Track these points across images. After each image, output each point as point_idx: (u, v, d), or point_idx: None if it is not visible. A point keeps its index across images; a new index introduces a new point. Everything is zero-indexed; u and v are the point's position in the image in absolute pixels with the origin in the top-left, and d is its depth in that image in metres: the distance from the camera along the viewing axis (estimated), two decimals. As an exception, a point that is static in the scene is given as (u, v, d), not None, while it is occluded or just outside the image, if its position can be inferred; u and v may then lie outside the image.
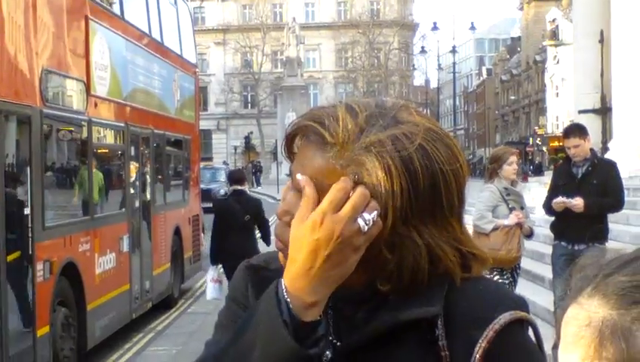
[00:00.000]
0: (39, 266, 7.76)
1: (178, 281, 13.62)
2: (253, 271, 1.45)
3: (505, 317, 1.27)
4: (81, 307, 8.96)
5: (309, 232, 1.23)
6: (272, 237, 11.25)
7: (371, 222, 1.24)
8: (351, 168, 1.26)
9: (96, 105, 9.76)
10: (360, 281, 1.30)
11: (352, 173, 1.26)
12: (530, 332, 1.32)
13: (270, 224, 10.82)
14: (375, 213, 1.25)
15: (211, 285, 10.75)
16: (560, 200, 7.79)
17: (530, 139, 75.41)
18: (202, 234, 15.75)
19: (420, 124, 1.31)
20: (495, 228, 7.49)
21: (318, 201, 1.25)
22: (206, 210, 14.92)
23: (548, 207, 8.08)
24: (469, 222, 5.12)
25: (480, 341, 1.26)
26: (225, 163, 59.90)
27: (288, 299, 1.23)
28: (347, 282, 1.27)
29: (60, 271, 8.31)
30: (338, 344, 1.33)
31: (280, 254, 1.36)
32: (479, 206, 7.64)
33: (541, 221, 10.97)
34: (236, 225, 10.12)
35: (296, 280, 1.24)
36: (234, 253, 9.35)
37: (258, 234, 10.84)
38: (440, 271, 1.31)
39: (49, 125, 8.52)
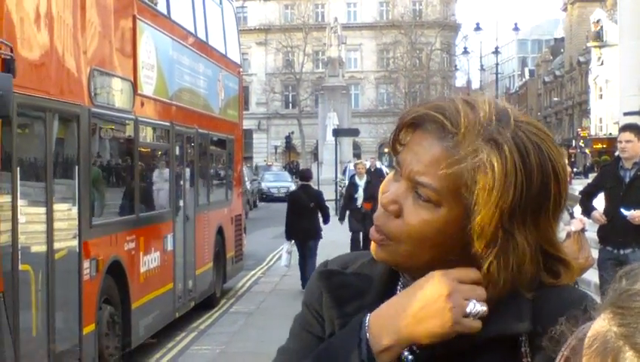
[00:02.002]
0: (86, 264, 7.82)
1: (220, 281, 13.67)
2: (327, 276, 1.43)
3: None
4: (126, 305, 9.02)
5: (430, 286, 1.26)
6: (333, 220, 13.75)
7: (477, 312, 1.26)
8: (469, 159, 1.25)
9: (142, 104, 9.81)
10: None
11: (469, 164, 1.25)
12: None
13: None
14: (485, 308, 1.26)
15: (285, 255, 14.43)
16: (598, 217, 7.70)
17: (574, 141, 74.67)
18: (244, 235, 15.79)
19: (531, 122, 1.31)
20: (567, 236, 7.31)
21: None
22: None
23: (585, 206, 7.97)
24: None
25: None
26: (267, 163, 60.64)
27: (369, 339, 1.25)
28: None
29: (106, 269, 8.37)
30: (418, 351, 1.31)
31: (374, 246, 1.34)
32: None
33: (587, 225, 10.82)
34: (304, 211, 13.68)
35: (384, 320, 1.26)
36: (302, 231, 13.62)
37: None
38: (531, 275, 1.29)
39: (96, 124, 8.58)
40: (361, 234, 15.85)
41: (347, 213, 16.42)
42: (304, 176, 14.90)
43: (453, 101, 1.29)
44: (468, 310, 1.24)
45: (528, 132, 1.27)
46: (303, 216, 13.64)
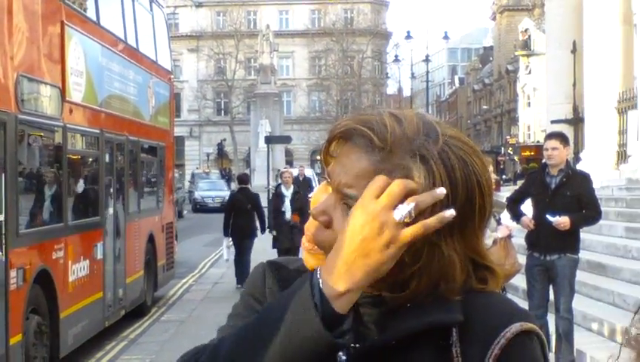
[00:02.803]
0: (12, 273, 7.68)
1: (151, 289, 13.55)
2: (277, 268, 1.47)
3: (516, 327, 1.31)
4: (54, 315, 8.88)
5: (351, 219, 1.24)
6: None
7: (407, 214, 1.23)
8: (397, 173, 1.27)
9: (71, 111, 9.69)
10: (377, 285, 1.31)
11: (397, 178, 1.26)
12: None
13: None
14: (412, 205, 1.23)
15: (226, 250, 15.93)
16: (527, 222, 7.87)
17: (502, 148, 75.83)
18: (176, 242, 15.69)
19: (457, 136, 1.34)
20: (494, 243, 7.38)
21: None
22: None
23: (514, 212, 8.13)
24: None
25: (492, 347, 1.30)
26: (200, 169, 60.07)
27: (322, 286, 1.23)
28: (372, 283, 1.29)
29: (34, 278, 8.23)
30: (355, 346, 1.33)
31: (305, 255, 1.38)
32: None
33: (515, 231, 11.03)
34: (241, 211, 15.11)
35: (333, 266, 1.24)
36: (239, 229, 15.15)
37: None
38: (459, 282, 1.32)
39: (24, 131, 8.44)
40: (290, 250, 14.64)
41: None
42: (242, 179, 16.51)
43: (380, 115, 1.32)
44: (398, 218, 1.22)
45: (454, 146, 1.31)
46: (240, 216, 15.09)
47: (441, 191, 1.25)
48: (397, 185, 1.23)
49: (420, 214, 1.24)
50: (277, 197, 15.20)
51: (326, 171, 1.37)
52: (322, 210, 1.34)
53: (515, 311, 1.35)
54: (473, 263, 1.36)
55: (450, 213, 1.24)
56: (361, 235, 1.22)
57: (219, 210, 34.68)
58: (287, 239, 14.59)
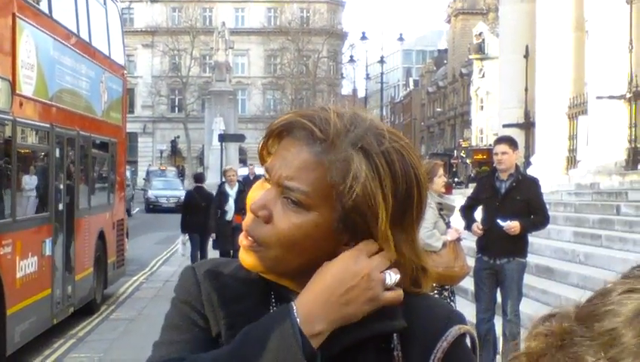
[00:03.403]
0: (-42, 269, 7.56)
1: (101, 287, 13.41)
2: (213, 275, 1.41)
3: (455, 330, 1.35)
4: (1, 311, 8.74)
5: (340, 264, 1.29)
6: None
7: (394, 281, 1.30)
8: (338, 164, 1.28)
9: (21, 104, 9.55)
10: None
11: (340, 169, 1.28)
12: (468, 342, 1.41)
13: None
14: (398, 275, 1.31)
15: (181, 246, 15.96)
16: (476, 229, 7.95)
17: (455, 151, 76.44)
18: (126, 239, 15.56)
19: (394, 132, 1.36)
20: (443, 245, 7.39)
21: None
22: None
23: (468, 219, 8.20)
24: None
25: (435, 351, 1.34)
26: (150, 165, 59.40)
27: (301, 326, 1.26)
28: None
29: (-20, 274, 8.11)
30: None
31: (242, 252, 1.35)
32: (426, 223, 7.50)
33: (465, 234, 11.12)
34: (197, 209, 14.93)
35: (311, 307, 1.27)
36: (195, 226, 15.03)
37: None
38: (403, 283, 1.34)
39: (-28, 124, 8.31)
40: (231, 252, 14.39)
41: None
42: (198, 178, 16.73)
43: (323, 110, 1.32)
44: (387, 282, 1.29)
45: (392, 141, 1.32)
46: (196, 214, 15.04)
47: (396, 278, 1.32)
48: (391, 255, 1.30)
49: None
50: (220, 196, 14.75)
51: (264, 167, 1.36)
52: (262, 204, 1.32)
53: (451, 313, 1.40)
54: (414, 264, 1.37)
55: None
56: (349, 284, 1.27)
57: (173, 210, 34.07)
58: (229, 241, 14.28)
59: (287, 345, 1.23)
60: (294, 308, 1.26)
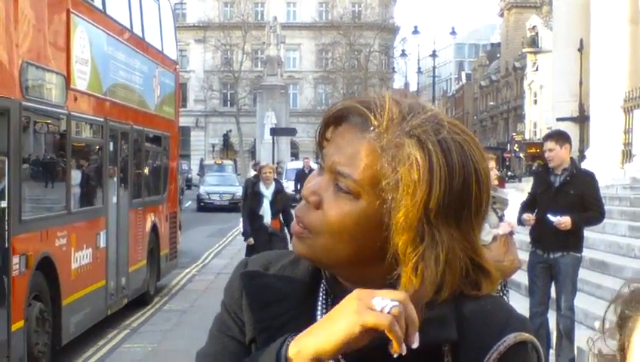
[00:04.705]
0: (15, 260, 7.70)
1: (154, 278, 13.56)
2: (249, 278, 1.39)
3: (509, 339, 1.26)
4: (57, 302, 8.89)
5: (340, 304, 1.20)
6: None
7: (386, 305, 1.17)
8: (390, 151, 1.25)
9: (75, 99, 9.69)
10: (375, 282, 1.26)
11: (391, 156, 1.24)
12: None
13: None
14: (396, 303, 1.17)
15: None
16: (527, 218, 7.85)
17: (509, 145, 75.74)
18: (179, 232, 15.70)
19: (456, 123, 1.31)
20: (494, 239, 7.29)
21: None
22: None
23: (524, 212, 8.11)
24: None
25: (486, 359, 1.25)
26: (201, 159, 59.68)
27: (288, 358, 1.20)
28: (363, 280, 1.27)
29: (36, 265, 8.25)
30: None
31: (294, 240, 1.33)
32: None
33: (519, 228, 11.02)
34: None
35: (303, 339, 1.21)
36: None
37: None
38: (452, 284, 1.27)
39: (28, 118, 8.45)
40: None
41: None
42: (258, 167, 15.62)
43: (380, 97, 1.30)
44: (377, 306, 1.16)
45: (452, 132, 1.27)
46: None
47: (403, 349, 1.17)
48: (399, 294, 1.19)
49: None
50: (254, 197, 12.12)
51: (320, 154, 1.34)
52: (313, 190, 1.30)
53: (509, 319, 1.30)
54: (470, 261, 1.29)
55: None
56: (336, 317, 1.19)
57: (227, 209, 32.90)
58: (265, 249, 13.33)
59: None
60: (285, 348, 1.21)
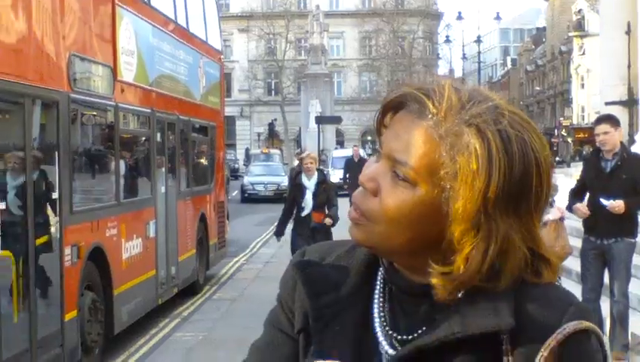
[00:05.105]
0: (67, 250, 7.79)
1: (203, 268, 13.65)
2: (303, 267, 1.38)
3: (569, 327, 1.24)
4: (108, 292, 8.99)
5: None
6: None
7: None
8: (449, 139, 1.23)
9: (122, 90, 9.76)
10: (423, 270, 1.27)
11: (449, 145, 1.23)
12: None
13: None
14: None
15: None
16: (580, 208, 7.72)
17: (556, 130, 74.97)
18: (227, 221, 15.77)
19: (516, 112, 1.29)
20: (544, 224, 7.21)
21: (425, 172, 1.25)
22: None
23: (573, 199, 8.00)
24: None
25: (542, 350, 1.22)
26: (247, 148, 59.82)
27: None
28: (419, 267, 1.27)
29: (88, 255, 8.34)
30: (399, 337, 1.29)
31: (351, 226, 1.32)
32: None
33: (568, 214, 10.86)
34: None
35: None
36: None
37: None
38: (511, 273, 1.26)
39: (76, 110, 8.53)
40: None
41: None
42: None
43: (438, 83, 1.28)
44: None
45: (512, 120, 1.25)
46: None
47: None
48: None
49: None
50: (297, 189, 11.49)
51: (378, 140, 1.33)
52: (371, 176, 1.29)
53: (571, 306, 1.27)
54: (530, 251, 1.28)
55: None
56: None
57: (272, 200, 32.05)
58: (307, 244, 12.38)
59: None
60: None
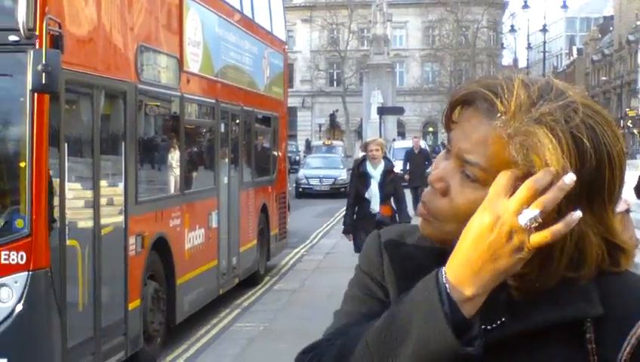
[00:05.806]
0: (131, 240, 7.87)
1: (264, 258, 13.70)
2: (393, 246, 1.40)
3: None
4: (171, 281, 9.07)
5: (476, 220, 1.17)
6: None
7: (532, 220, 1.14)
8: (518, 138, 1.20)
9: (188, 81, 9.82)
10: None
11: (519, 144, 1.20)
12: None
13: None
14: (537, 212, 1.14)
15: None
16: None
17: (622, 121, 73.62)
18: (288, 212, 15.79)
19: (588, 104, 1.26)
20: None
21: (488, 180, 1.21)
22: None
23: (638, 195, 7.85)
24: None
25: (629, 338, 1.22)
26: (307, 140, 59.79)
27: (450, 291, 1.17)
28: None
29: (152, 245, 8.41)
30: (490, 328, 1.27)
31: (421, 220, 1.32)
32: None
33: (635, 206, 10.65)
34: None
35: (459, 269, 1.17)
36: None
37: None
38: (594, 263, 1.25)
39: (143, 100, 8.60)
40: None
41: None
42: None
43: (508, 79, 1.25)
44: (524, 224, 1.14)
45: (583, 114, 1.22)
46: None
47: (571, 179, 1.15)
48: (526, 190, 1.14)
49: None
50: (361, 178, 10.41)
51: (447, 137, 1.32)
52: (440, 176, 1.28)
53: None
54: (606, 242, 1.27)
55: (578, 214, 1.15)
56: (489, 240, 1.15)
57: (327, 195, 31.21)
58: None
59: (432, 312, 1.16)
60: (443, 273, 1.19)
